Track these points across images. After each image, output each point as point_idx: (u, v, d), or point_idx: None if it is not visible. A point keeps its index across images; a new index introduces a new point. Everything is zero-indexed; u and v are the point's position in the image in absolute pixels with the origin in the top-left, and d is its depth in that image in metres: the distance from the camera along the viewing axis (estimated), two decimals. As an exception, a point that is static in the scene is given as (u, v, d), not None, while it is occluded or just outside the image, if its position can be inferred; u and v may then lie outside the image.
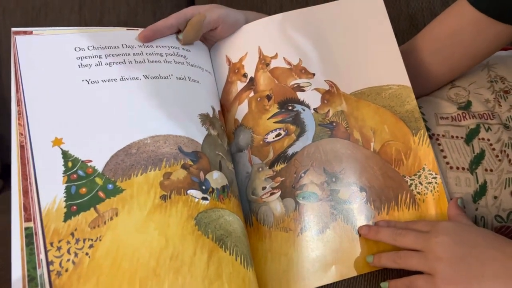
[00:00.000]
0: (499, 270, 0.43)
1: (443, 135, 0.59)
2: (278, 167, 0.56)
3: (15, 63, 0.51)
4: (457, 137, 0.59)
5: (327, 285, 0.51)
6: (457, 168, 0.58)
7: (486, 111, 0.60)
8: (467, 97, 0.62)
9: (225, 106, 0.60)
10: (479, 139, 0.59)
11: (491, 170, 0.57)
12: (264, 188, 0.55)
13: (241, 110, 0.59)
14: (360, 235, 0.53)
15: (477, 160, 0.58)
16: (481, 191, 0.56)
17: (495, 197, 0.56)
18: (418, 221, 0.52)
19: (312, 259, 0.52)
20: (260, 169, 0.56)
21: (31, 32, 0.53)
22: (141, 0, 0.98)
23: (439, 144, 0.59)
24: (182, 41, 0.59)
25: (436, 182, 0.55)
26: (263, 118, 0.58)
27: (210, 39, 0.63)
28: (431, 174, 0.55)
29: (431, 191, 0.55)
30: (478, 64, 0.64)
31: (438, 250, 0.45)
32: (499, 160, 0.57)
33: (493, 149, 0.58)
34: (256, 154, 0.57)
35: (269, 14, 0.85)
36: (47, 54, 0.52)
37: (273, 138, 0.57)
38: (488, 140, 0.59)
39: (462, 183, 0.57)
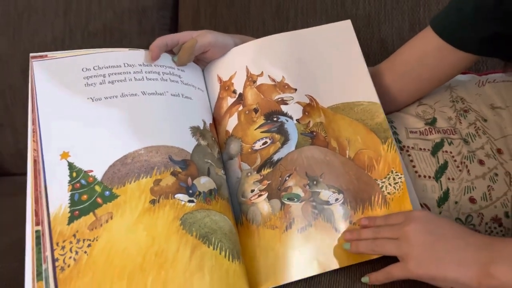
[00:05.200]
0: (462, 258, 0.46)
1: (412, 147, 0.64)
2: (265, 172, 0.59)
3: (31, 85, 0.55)
4: (424, 149, 0.63)
5: (323, 281, 0.54)
6: (424, 176, 0.62)
7: (449, 127, 0.64)
8: (433, 114, 0.66)
9: (217, 119, 0.64)
10: (443, 151, 0.63)
11: (453, 179, 0.61)
12: (252, 190, 0.58)
13: (232, 122, 0.63)
14: (339, 232, 0.55)
15: (441, 170, 0.62)
16: (444, 197, 0.61)
17: (456, 202, 0.60)
18: (393, 214, 0.55)
19: (296, 253, 0.54)
20: (249, 174, 0.59)
21: (46, 56, 0.57)
22: (127, 9, 0.98)
23: (409, 155, 0.63)
24: (177, 63, 0.63)
25: (401, 181, 0.58)
26: (251, 128, 0.62)
27: (203, 60, 0.67)
28: (398, 175, 0.59)
29: (398, 189, 0.58)
30: (442, 85, 0.68)
31: (410, 237, 0.49)
32: (460, 170, 0.61)
33: (455, 160, 0.62)
34: (245, 161, 0.60)
35: (252, 29, 0.92)
36: (58, 76, 0.56)
37: (260, 146, 0.60)
38: (451, 152, 0.63)
39: (428, 190, 0.61)
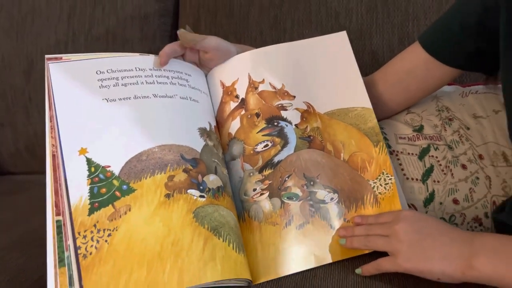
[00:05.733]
0: (447, 252, 0.50)
1: (401, 152, 0.68)
2: (266, 172, 0.62)
3: (48, 85, 0.58)
4: (412, 154, 0.68)
5: (318, 274, 0.57)
6: (412, 179, 0.66)
7: (435, 134, 0.69)
8: (420, 122, 0.71)
9: (220, 122, 0.68)
10: (429, 156, 0.67)
11: (438, 182, 0.65)
12: (254, 189, 0.62)
13: (234, 125, 0.66)
14: (334, 228, 0.59)
15: (428, 173, 0.66)
16: (430, 198, 0.65)
17: (441, 203, 0.64)
18: (384, 213, 0.59)
19: (295, 248, 0.58)
20: (251, 174, 0.63)
21: (61, 58, 0.60)
22: (129, 15, 1.00)
23: (398, 159, 0.67)
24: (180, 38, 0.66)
25: (391, 182, 0.62)
26: (253, 132, 0.65)
27: (206, 65, 0.70)
28: (388, 177, 0.62)
29: (388, 190, 0.62)
30: (429, 95, 0.73)
31: (399, 234, 0.52)
32: (444, 173, 0.66)
33: (440, 164, 0.66)
34: (247, 162, 0.64)
35: (251, 38, 0.95)
36: (74, 77, 0.59)
37: (262, 148, 0.64)
38: (436, 157, 0.67)
39: (415, 191, 0.65)
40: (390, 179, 0.63)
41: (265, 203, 0.61)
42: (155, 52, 1.01)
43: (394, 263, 0.52)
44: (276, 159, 0.64)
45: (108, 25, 1.01)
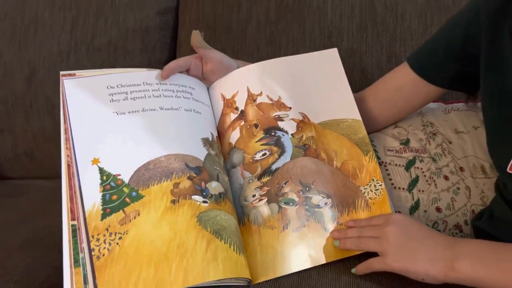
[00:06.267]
0: (431, 255, 0.54)
1: (389, 163, 0.72)
2: (264, 179, 0.66)
3: (63, 100, 0.62)
4: (399, 165, 0.72)
5: (313, 274, 0.61)
6: (399, 188, 0.71)
7: (420, 147, 0.73)
8: (407, 136, 0.75)
9: (221, 132, 0.72)
10: (415, 167, 0.72)
11: (423, 191, 0.70)
12: (254, 195, 0.66)
13: (234, 136, 0.70)
14: (328, 231, 0.63)
15: (413, 183, 0.71)
16: (415, 206, 0.69)
17: (425, 211, 0.69)
18: (375, 216, 0.63)
19: (292, 250, 0.62)
20: (250, 181, 0.67)
21: (74, 74, 0.64)
22: (131, 28, 1.03)
23: (387, 170, 0.72)
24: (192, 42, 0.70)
25: (381, 188, 0.66)
26: (252, 141, 0.69)
27: (209, 79, 0.74)
28: (378, 183, 0.67)
29: (378, 195, 0.66)
30: (415, 111, 0.77)
31: (389, 237, 0.56)
32: (429, 184, 0.71)
33: (425, 175, 0.71)
34: (247, 169, 0.68)
35: (248, 53, 0.99)
36: (87, 92, 0.63)
37: (260, 156, 0.68)
38: (421, 169, 0.72)
39: (402, 200, 0.70)
40: (380, 185, 0.67)
41: (263, 208, 0.65)
42: (155, 63, 1.08)
43: (384, 262, 0.56)
44: (273, 167, 0.68)
45: (110, 37, 1.04)
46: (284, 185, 0.66)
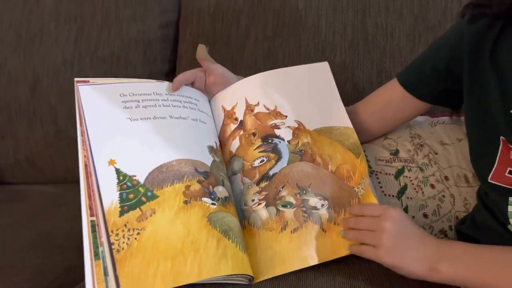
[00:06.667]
0: (418, 254, 0.57)
1: (380, 172, 0.77)
2: (262, 184, 0.70)
3: (78, 104, 0.66)
4: (389, 174, 0.77)
5: (310, 274, 0.64)
6: (389, 195, 0.75)
7: (408, 158, 0.78)
8: (396, 147, 0.80)
9: (222, 142, 0.76)
10: (404, 176, 0.77)
11: (411, 198, 0.75)
12: (253, 200, 0.69)
13: (234, 145, 0.74)
14: (325, 231, 0.66)
15: (402, 190, 0.75)
16: (404, 212, 0.72)
17: (413, 217, 0.73)
18: (370, 205, 0.65)
19: (290, 250, 0.65)
20: (250, 186, 0.71)
21: (88, 81, 0.68)
22: (134, 40, 1.07)
23: (378, 178, 0.76)
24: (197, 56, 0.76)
25: (365, 182, 0.69)
26: (250, 149, 0.73)
27: (210, 91, 0.79)
28: (365, 180, 0.70)
29: (364, 189, 0.69)
30: (403, 124, 0.82)
31: (385, 232, 0.58)
32: (416, 191, 0.75)
33: (413, 184, 0.76)
34: (246, 176, 0.71)
35: (246, 66, 1.04)
36: (101, 98, 0.67)
37: (258, 163, 0.72)
38: (410, 177, 0.76)
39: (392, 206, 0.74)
40: (365, 180, 0.70)
41: (262, 212, 0.69)
42: (156, 74, 1.12)
43: (375, 254, 0.59)
44: (271, 172, 0.72)
45: (113, 48, 1.08)
46: (281, 189, 0.70)
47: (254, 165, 0.72)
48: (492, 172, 0.62)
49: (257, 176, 0.72)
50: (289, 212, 0.68)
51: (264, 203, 0.69)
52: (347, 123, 0.75)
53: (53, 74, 1.09)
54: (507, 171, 0.60)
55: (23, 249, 0.80)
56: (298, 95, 0.78)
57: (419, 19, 0.98)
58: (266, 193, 0.70)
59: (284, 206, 0.69)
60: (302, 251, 0.66)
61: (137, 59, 1.09)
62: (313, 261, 0.65)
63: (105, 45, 1.08)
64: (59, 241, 0.83)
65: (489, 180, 0.62)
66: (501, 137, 0.60)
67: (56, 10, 1.10)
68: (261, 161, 0.73)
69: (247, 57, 1.04)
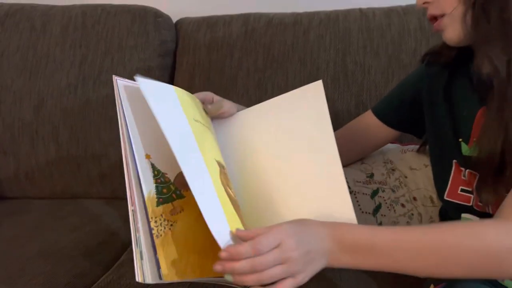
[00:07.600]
0: (321, 251, 0.56)
1: (358, 192, 0.87)
2: None
3: (117, 98, 0.65)
4: (366, 194, 0.86)
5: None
6: (366, 212, 0.84)
7: (382, 180, 0.87)
8: (371, 170, 0.89)
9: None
10: (378, 196, 0.86)
11: (385, 215, 0.84)
12: None
13: None
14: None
15: (377, 209, 0.85)
16: None
17: None
18: (258, 239, 0.54)
19: None
20: None
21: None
22: (135, 67, 1.14)
23: (356, 197, 0.86)
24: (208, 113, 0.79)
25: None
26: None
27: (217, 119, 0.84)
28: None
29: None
30: (377, 150, 0.91)
31: (294, 259, 0.54)
32: (389, 210, 0.85)
33: (386, 203, 0.85)
34: None
35: (238, 95, 1.13)
36: (137, 99, 0.65)
37: None
38: (383, 197, 0.86)
39: (368, 222, 0.83)
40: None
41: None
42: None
43: (295, 282, 0.55)
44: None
45: (115, 73, 1.11)
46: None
47: None
48: (447, 190, 0.70)
49: None
50: None
51: None
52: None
53: (57, 96, 1.16)
54: (459, 189, 0.69)
55: (33, 257, 0.85)
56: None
57: (392, 58, 1.08)
58: None
59: None
60: None
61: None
62: None
63: (108, 70, 1.16)
64: (66, 250, 0.88)
65: (445, 198, 0.70)
66: (454, 161, 0.69)
67: (63, 38, 1.18)
68: None
69: (239, 86, 1.13)
